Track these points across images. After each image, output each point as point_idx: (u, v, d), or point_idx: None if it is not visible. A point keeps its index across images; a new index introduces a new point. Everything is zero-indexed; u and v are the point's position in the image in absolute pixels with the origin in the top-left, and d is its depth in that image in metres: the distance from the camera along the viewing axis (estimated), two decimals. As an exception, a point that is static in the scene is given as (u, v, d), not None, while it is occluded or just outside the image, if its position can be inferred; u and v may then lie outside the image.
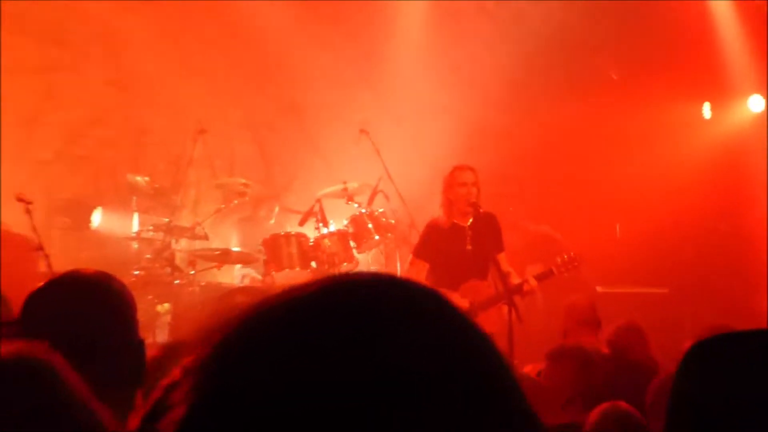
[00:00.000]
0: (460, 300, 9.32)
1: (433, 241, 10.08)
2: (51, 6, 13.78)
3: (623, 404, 5.28)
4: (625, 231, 13.92)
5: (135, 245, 12.45)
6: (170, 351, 5.10)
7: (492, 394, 1.05)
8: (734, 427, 1.88)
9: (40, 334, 2.82)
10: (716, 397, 1.93)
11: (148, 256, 12.02)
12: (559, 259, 10.14)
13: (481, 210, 9.92)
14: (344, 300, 1.06)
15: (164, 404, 1.02)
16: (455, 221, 10.07)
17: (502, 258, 10.02)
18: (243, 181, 12.55)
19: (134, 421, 1.06)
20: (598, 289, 12.76)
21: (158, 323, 11.42)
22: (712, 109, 14.31)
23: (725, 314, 12.68)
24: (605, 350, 7.83)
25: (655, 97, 13.77)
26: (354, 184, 12.43)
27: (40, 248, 9.54)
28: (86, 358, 2.80)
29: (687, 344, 2.00)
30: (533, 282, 9.82)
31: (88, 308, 3.23)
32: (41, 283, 3.38)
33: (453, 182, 10.06)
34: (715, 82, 13.93)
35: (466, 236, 10.00)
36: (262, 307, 1.09)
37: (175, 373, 1.04)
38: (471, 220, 10.04)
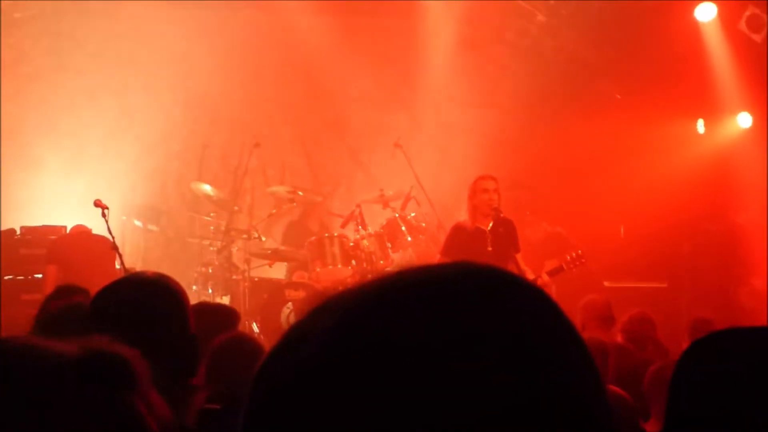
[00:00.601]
0: None
1: (458, 242, 10.04)
2: (126, 34, 13.82)
3: (614, 388, 5.16)
4: (629, 232, 13.82)
5: (198, 245, 12.43)
6: (226, 344, 5.03)
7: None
8: (734, 423, 1.78)
9: (106, 327, 2.98)
10: (715, 394, 1.80)
11: (209, 255, 12.02)
12: (568, 257, 10.11)
13: (501, 215, 9.90)
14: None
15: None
16: (478, 225, 10.01)
17: (519, 258, 10.01)
18: (292, 188, 12.50)
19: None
20: (606, 283, 12.70)
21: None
22: (705, 124, 14.18)
23: (714, 305, 12.66)
24: (619, 339, 7.76)
25: (654, 114, 13.66)
26: (390, 192, 12.41)
27: (115, 248, 9.52)
28: (146, 349, 2.76)
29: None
30: (546, 278, 9.81)
31: (148, 304, 3.19)
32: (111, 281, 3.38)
33: (477, 189, 10.05)
34: (707, 101, 13.81)
35: (487, 238, 9.95)
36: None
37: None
38: (491, 224, 9.98)
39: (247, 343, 4.95)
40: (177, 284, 3.35)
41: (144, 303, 3.18)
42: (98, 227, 10.30)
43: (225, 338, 4.83)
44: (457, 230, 10.18)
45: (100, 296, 3.28)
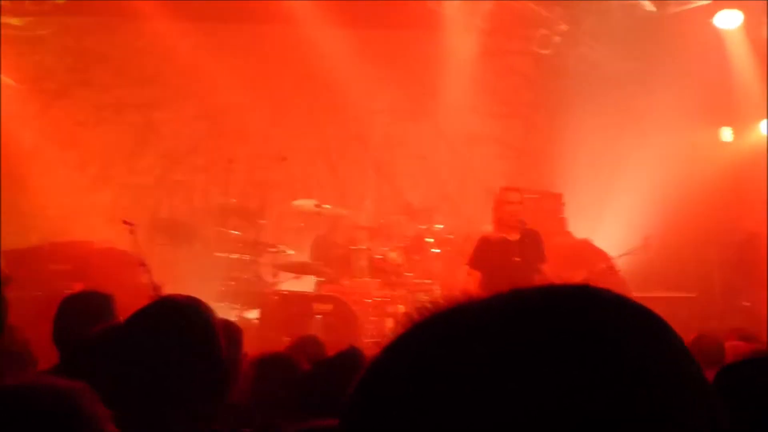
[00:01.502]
0: None
1: (485, 254, 10.00)
2: (150, 50, 13.83)
3: None
4: (655, 241, 13.69)
5: (225, 259, 12.36)
6: (263, 366, 4.95)
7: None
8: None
9: (139, 352, 3.07)
10: (746, 419, 1.82)
11: (237, 268, 11.97)
12: (597, 269, 10.03)
13: (526, 226, 9.84)
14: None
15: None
16: (504, 236, 9.93)
17: (546, 269, 9.93)
18: (318, 202, 12.43)
19: None
20: (634, 294, 12.54)
21: (247, 327, 11.33)
22: (730, 133, 14.11)
23: (741, 314, 12.51)
24: None
25: (677, 122, 13.59)
26: (415, 205, 12.32)
27: (143, 264, 9.45)
28: (178, 374, 3.01)
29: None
30: None
31: (179, 329, 3.16)
32: (143, 304, 3.36)
33: (502, 201, 10.06)
34: (730, 109, 13.73)
35: (514, 250, 9.88)
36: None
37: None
38: (518, 236, 9.91)
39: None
40: (207, 307, 3.31)
41: (175, 328, 3.17)
42: (127, 243, 10.24)
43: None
44: (484, 242, 10.13)
45: (131, 321, 3.26)
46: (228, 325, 3.96)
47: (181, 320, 3.19)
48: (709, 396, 0.95)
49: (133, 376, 3.03)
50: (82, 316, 5.41)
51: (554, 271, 10.29)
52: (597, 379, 0.87)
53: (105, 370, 3.22)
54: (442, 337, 0.91)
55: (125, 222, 9.52)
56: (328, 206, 12.42)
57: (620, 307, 0.95)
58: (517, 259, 9.89)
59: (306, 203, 12.69)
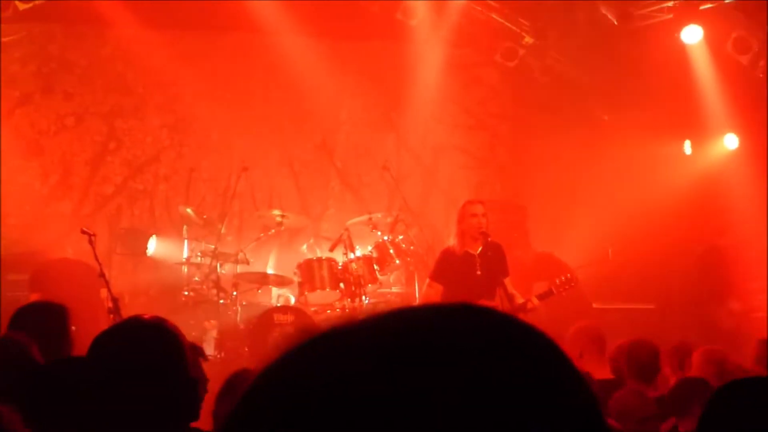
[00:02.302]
0: None
1: (447, 267, 9.96)
2: (114, 57, 13.76)
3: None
4: (617, 253, 13.75)
5: (186, 269, 12.29)
6: (232, 384, 4.93)
7: None
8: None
9: (105, 375, 3.06)
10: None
11: (197, 279, 11.95)
12: (557, 280, 10.06)
13: (489, 239, 9.81)
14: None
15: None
16: (467, 249, 9.91)
17: (508, 282, 9.94)
18: (280, 212, 12.38)
19: None
20: (595, 305, 12.62)
21: (206, 338, 11.28)
22: (692, 146, 14.17)
23: (702, 325, 12.58)
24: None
25: (641, 135, 13.65)
26: (378, 215, 12.30)
27: (102, 275, 9.35)
28: (146, 395, 3.01)
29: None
30: (536, 301, 9.81)
31: (146, 351, 3.17)
32: (101, 314, 3.38)
33: (465, 214, 9.99)
34: (694, 122, 13.79)
35: (476, 263, 9.86)
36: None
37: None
38: (480, 249, 9.88)
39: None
40: (174, 327, 3.31)
41: (142, 349, 3.17)
42: (86, 253, 10.13)
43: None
44: (446, 255, 10.09)
45: (97, 343, 3.24)
46: (192, 345, 3.94)
47: (147, 341, 3.20)
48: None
49: (102, 401, 3.02)
50: (35, 329, 5.36)
51: (516, 283, 10.30)
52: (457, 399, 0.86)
53: (72, 395, 3.21)
54: (311, 361, 0.92)
55: (84, 231, 9.41)
56: (290, 216, 12.38)
57: (503, 326, 0.95)
58: (479, 272, 9.86)
59: (268, 213, 12.65)
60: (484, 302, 9.62)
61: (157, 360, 3.13)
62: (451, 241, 10.22)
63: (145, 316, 3.36)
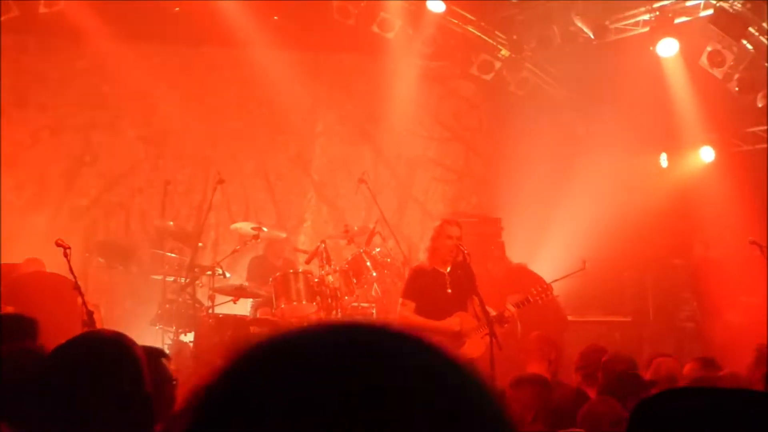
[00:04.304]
0: (454, 322, 9.61)
1: (418, 284, 9.90)
2: (89, 70, 13.77)
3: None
4: (592, 266, 13.81)
5: (161, 282, 12.29)
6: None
7: None
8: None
9: (62, 384, 3.06)
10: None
11: (173, 291, 11.90)
12: (534, 290, 10.11)
13: (459, 258, 9.78)
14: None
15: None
16: (436, 267, 9.90)
17: (477, 300, 9.89)
18: (256, 224, 12.41)
19: None
20: (570, 317, 12.69)
21: (182, 351, 11.29)
22: (668, 159, 14.27)
23: (677, 336, 12.69)
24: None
25: (617, 148, 13.74)
26: (354, 227, 12.36)
27: (77, 287, 9.35)
28: (101, 408, 3.02)
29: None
30: (512, 309, 9.79)
31: (103, 364, 3.19)
32: (76, 328, 3.41)
33: (441, 233, 9.91)
34: (670, 135, 13.89)
35: (446, 281, 9.84)
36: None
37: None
38: (449, 268, 9.90)
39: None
40: (132, 342, 3.33)
41: (99, 363, 3.19)
42: (60, 266, 10.13)
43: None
44: (416, 272, 10.07)
45: (56, 354, 3.26)
46: (151, 351, 3.97)
47: (104, 355, 3.21)
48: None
49: (56, 415, 3.03)
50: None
51: (491, 296, 10.34)
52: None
53: (25, 407, 3.23)
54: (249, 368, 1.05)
55: (59, 243, 9.40)
56: (266, 228, 12.41)
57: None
58: (450, 290, 9.89)
59: (244, 225, 12.67)
60: (461, 314, 9.73)
61: (111, 373, 3.16)
62: (421, 256, 10.26)
63: (104, 331, 3.41)
